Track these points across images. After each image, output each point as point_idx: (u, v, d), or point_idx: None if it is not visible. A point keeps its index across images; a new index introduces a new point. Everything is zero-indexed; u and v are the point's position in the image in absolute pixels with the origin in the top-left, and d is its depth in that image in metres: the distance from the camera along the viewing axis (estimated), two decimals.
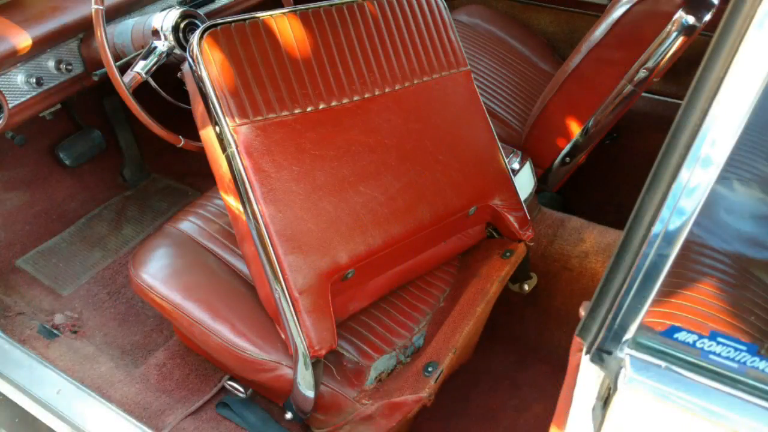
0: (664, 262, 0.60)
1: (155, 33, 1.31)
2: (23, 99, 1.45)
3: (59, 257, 1.86)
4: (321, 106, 1.15)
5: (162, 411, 1.40)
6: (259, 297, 1.22)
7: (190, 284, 1.29)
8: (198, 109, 1.12)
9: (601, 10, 2.04)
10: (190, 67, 1.08)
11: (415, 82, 1.28)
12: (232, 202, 1.13)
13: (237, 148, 1.07)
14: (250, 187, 1.07)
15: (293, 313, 1.08)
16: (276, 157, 1.09)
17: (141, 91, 1.31)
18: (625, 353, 0.67)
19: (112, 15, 1.50)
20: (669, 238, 0.59)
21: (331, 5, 1.19)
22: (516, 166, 1.53)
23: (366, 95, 1.21)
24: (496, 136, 1.39)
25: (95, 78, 1.50)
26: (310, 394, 1.14)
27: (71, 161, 1.94)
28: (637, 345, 0.66)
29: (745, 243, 0.62)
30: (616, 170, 2.13)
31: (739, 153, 0.54)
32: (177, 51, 1.31)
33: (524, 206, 1.42)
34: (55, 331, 1.61)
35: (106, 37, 1.25)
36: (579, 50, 1.58)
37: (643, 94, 1.84)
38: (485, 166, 1.36)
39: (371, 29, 1.23)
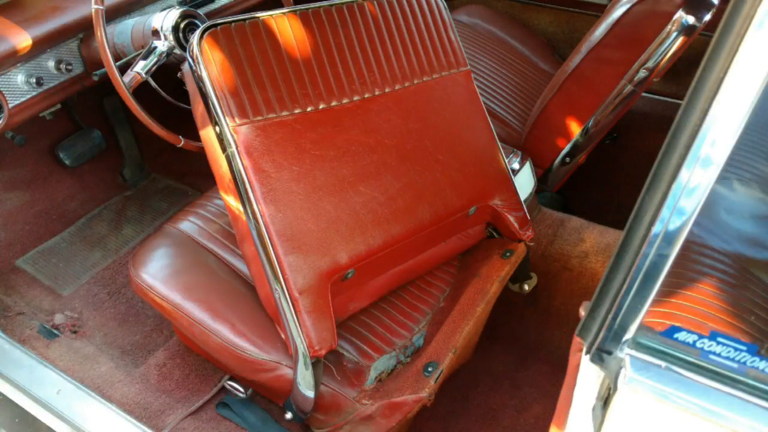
0: (664, 262, 0.60)
1: (155, 33, 1.31)
2: (23, 99, 1.45)
3: (59, 257, 1.86)
4: (321, 106, 1.15)
5: (162, 411, 1.40)
6: (259, 297, 1.22)
7: (190, 284, 1.29)
8: (198, 109, 1.12)
9: (601, 10, 2.04)
10: (190, 67, 1.08)
11: (415, 82, 1.28)
12: (232, 202, 1.13)
13: (237, 148, 1.07)
14: (250, 187, 1.07)
15: (293, 313, 1.08)
16: (276, 157, 1.09)
17: (141, 91, 1.31)
18: (625, 353, 0.67)
19: (112, 15, 1.50)
20: (669, 238, 0.59)
21: (331, 5, 1.19)
22: (516, 166, 1.54)
23: (366, 95, 1.21)
24: (496, 136, 1.39)
25: (95, 78, 1.50)
26: (310, 394, 1.14)
27: (71, 161, 1.94)
28: (637, 345, 0.66)
29: (745, 243, 0.62)
30: (616, 170, 2.13)
31: (739, 153, 0.54)
32: (177, 51, 1.31)
33: (524, 206, 1.42)
34: (55, 331, 1.61)
35: (106, 37, 1.25)
36: (579, 50, 1.58)
37: (643, 94, 1.84)
38: (485, 166, 1.36)
39: (371, 29, 1.23)
